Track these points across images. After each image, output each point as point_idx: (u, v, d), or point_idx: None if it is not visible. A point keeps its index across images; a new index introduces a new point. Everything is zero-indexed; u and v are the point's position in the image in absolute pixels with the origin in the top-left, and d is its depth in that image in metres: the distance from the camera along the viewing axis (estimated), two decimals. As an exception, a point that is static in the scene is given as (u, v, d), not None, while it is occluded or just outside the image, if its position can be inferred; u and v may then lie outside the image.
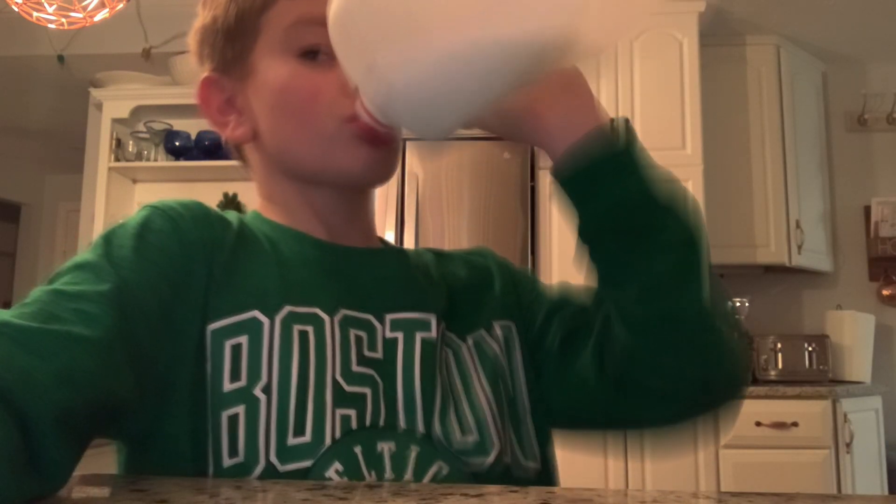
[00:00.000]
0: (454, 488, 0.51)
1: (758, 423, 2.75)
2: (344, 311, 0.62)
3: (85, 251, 0.59)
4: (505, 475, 0.62)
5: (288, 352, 0.58)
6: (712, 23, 3.12)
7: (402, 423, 0.60)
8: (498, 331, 0.69)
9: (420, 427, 0.60)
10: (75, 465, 0.47)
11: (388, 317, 0.64)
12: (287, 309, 0.60)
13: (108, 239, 0.59)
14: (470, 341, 0.67)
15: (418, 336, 0.64)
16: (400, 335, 0.63)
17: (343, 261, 0.66)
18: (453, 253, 0.77)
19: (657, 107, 2.99)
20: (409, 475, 0.58)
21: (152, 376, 0.55)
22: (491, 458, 0.61)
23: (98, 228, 3.46)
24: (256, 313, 0.59)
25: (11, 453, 0.42)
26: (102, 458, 1.38)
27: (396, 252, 0.74)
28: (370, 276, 0.67)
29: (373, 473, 0.57)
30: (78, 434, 0.47)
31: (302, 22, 0.64)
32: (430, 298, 0.67)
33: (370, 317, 0.63)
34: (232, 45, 0.68)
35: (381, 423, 0.59)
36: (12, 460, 0.42)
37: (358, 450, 0.57)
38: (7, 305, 5.71)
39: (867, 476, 2.89)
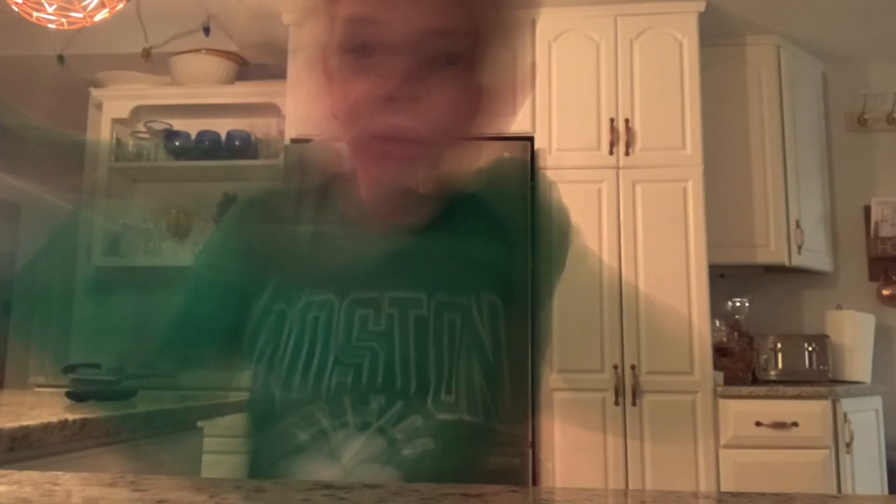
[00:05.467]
0: (454, 488, 0.51)
1: (758, 423, 2.75)
2: (354, 294, 0.75)
3: None
4: (472, 432, 0.74)
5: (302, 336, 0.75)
6: (712, 23, 3.12)
7: (399, 381, 0.72)
8: (486, 304, 0.77)
9: (412, 386, 0.72)
10: None
11: (388, 295, 0.75)
12: (305, 300, 0.75)
13: None
14: (460, 313, 0.76)
15: (411, 313, 0.74)
16: (395, 312, 0.74)
17: (360, 244, 0.76)
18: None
19: (657, 107, 2.99)
20: (384, 422, 0.71)
21: None
22: (456, 417, 0.73)
23: (98, 228, 3.46)
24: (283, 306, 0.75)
25: None
26: (103, 458, 1.38)
27: (418, 233, 0.78)
28: (381, 258, 0.76)
29: (352, 416, 0.71)
30: None
31: (354, 20, 0.69)
32: (427, 279, 0.76)
33: (376, 294, 0.75)
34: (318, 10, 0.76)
35: (380, 381, 0.72)
36: None
37: (347, 399, 0.72)
38: (7, 305, 5.71)
39: (867, 476, 2.89)
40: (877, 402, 3.11)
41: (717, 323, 3.16)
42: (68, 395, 1.52)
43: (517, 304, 0.81)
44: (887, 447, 3.07)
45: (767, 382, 3.06)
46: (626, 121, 2.98)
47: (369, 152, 0.68)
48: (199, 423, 1.65)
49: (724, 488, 2.65)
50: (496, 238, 0.82)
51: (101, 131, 3.58)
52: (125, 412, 1.30)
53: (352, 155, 0.70)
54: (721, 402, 2.79)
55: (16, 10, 2.23)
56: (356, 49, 0.67)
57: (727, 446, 2.76)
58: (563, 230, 0.87)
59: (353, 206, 0.77)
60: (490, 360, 0.77)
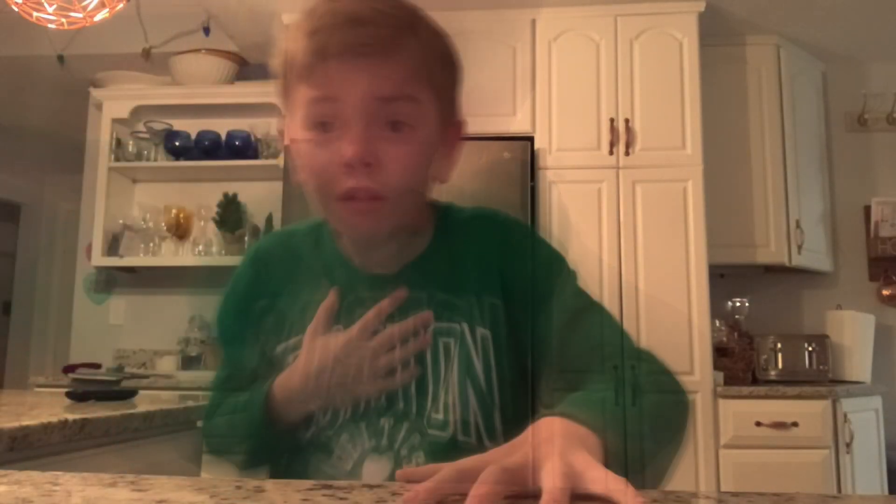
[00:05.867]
0: (455, 488, 0.51)
1: (758, 423, 2.75)
2: (354, 294, 0.84)
3: None
4: (461, 449, 0.79)
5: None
6: (712, 23, 3.12)
7: (401, 403, 0.81)
8: (487, 307, 0.83)
9: (413, 408, 0.81)
10: None
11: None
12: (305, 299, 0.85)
13: None
14: (452, 339, 0.82)
15: (411, 314, 0.81)
16: (395, 313, 0.82)
17: (364, 286, 0.84)
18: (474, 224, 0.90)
19: (657, 107, 2.99)
20: (392, 443, 0.80)
21: None
22: (448, 434, 0.80)
23: (98, 228, 3.46)
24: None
25: None
26: (103, 458, 1.38)
27: (412, 273, 0.85)
28: (381, 283, 0.83)
29: (366, 437, 0.81)
30: None
31: (313, 102, 0.77)
32: (428, 287, 0.83)
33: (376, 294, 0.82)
34: (282, 99, 0.83)
35: (384, 402, 0.81)
36: None
37: (363, 425, 0.81)
38: (7, 305, 5.71)
39: (867, 476, 2.89)
40: (877, 402, 3.11)
41: (717, 323, 3.16)
42: (68, 395, 1.52)
43: (517, 307, 0.84)
44: (887, 447, 3.08)
45: (767, 382, 3.06)
46: (626, 121, 2.98)
47: (337, 212, 0.79)
48: (199, 423, 1.65)
49: (724, 488, 2.65)
50: (496, 248, 0.87)
51: (101, 131, 3.58)
52: (125, 412, 1.30)
53: (326, 216, 0.81)
54: (721, 402, 2.79)
55: (16, 10, 2.23)
56: (317, 126, 0.77)
57: (727, 446, 2.76)
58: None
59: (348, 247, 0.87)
60: (491, 361, 0.82)
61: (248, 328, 0.88)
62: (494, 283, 0.84)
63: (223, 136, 3.53)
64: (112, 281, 3.72)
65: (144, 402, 1.51)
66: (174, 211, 3.51)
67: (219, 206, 3.46)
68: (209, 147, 3.51)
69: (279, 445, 0.84)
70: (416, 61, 0.77)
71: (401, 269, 0.85)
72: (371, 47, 0.75)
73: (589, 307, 0.89)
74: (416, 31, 0.78)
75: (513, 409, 0.84)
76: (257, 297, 0.88)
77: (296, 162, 0.80)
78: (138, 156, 3.59)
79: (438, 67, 0.80)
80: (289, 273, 0.88)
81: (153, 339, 3.60)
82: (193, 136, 3.55)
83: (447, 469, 0.58)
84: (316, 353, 0.80)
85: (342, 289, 0.84)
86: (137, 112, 3.60)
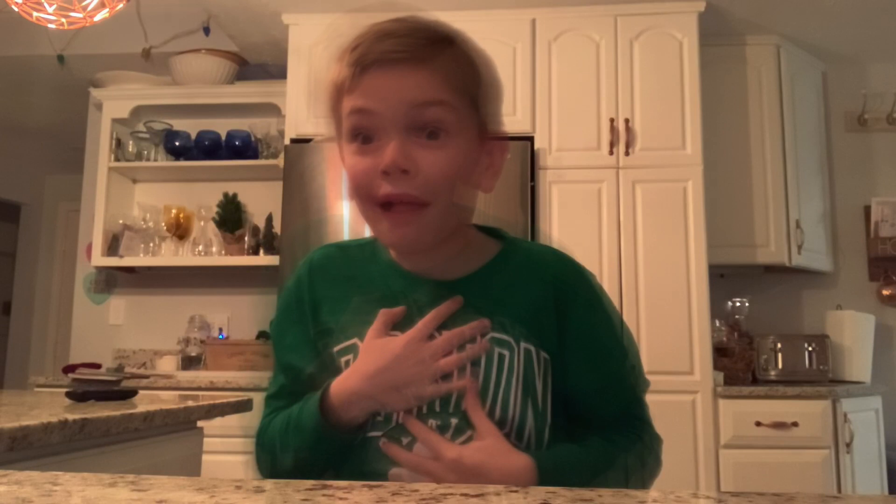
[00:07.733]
0: (454, 488, 0.52)
1: (758, 423, 2.75)
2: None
3: None
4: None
5: None
6: (712, 23, 3.12)
7: (451, 408, 0.82)
8: (521, 349, 0.84)
9: (461, 413, 0.82)
10: None
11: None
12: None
13: None
14: (507, 350, 0.83)
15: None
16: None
17: (421, 293, 0.85)
18: (534, 258, 0.90)
19: (657, 107, 2.99)
20: (448, 436, 0.81)
21: None
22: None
23: (98, 228, 3.46)
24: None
25: None
26: (103, 458, 1.38)
27: (470, 284, 0.86)
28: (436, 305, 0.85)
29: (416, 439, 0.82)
30: None
31: (353, 112, 0.80)
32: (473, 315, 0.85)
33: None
34: (331, 118, 0.86)
35: (437, 406, 0.82)
36: None
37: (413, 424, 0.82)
38: (7, 305, 5.71)
39: (867, 476, 2.89)
40: (877, 402, 3.11)
41: (717, 323, 3.16)
42: (68, 395, 1.52)
43: (560, 348, 0.86)
44: (887, 447, 3.08)
45: (767, 382, 3.06)
46: (626, 121, 2.98)
47: (380, 222, 0.81)
48: (199, 423, 1.65)
49: (724, 488, 2.65)
50: (554, 287, 0.87)
51: (101, 131, 3.58)
52: (125, 412, 1.30)
53: (368, 224, 0.83)
54: (721, 402, 2.79)
55: (16, 10, 2.23)
56: (360, 137, 0.80)
57: (727, 446, 2.76)
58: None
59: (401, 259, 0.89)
60: (536, 380, 0.85)
61: (304, 334, 0.89)
62: (544, 322, 0.85)
63: (223, 136, 3.53)
64: (112, 281, 3.72)
65: (144, 402, 1.51)
66: (174, 211, 3.51)
67: (219, 206, 3.46)
68: (209, 147, 3.51)
69: (334, 449, 0.84)
70: (449, 69, 0.80)
71: (459, 279, 0.86)
72: (404, 54, 0.78)
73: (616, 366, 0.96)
74: (450, 43, 0.81)
75: (542, 428, 0.85)
76: (314, 303, 0.90)
77: (347, 177, 0.83)
78: (138, 156, 3.59)
79: (474, 80, 0.82)
80: (345, 280, 0.90)
81: (153, 339, 3.60)
82: (193, 136, 3.55)
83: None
84: (374, 355, 0.81)
85: (401, 295, 0.86)
86: (137, 112, 3.60)
